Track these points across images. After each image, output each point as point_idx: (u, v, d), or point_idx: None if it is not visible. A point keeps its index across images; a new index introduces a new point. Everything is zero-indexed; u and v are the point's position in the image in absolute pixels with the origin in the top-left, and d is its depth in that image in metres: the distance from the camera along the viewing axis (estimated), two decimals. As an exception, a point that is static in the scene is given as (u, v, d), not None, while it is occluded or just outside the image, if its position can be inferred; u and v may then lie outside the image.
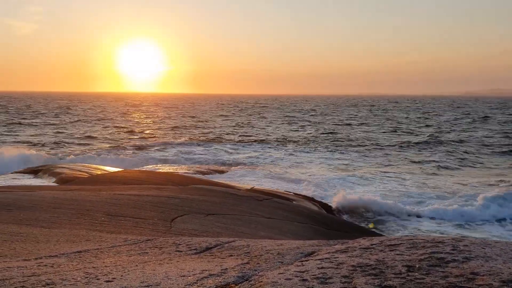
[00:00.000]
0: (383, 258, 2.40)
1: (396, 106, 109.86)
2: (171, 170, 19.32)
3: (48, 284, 1.90)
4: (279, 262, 2.65)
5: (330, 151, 29.79)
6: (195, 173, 19.03)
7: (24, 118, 52.33)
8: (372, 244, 2.85)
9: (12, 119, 49.98)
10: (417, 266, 2.19)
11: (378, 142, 34.46)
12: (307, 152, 28.97)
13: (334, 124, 52.15)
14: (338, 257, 2.48)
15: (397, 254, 2.51)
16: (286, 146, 31.99)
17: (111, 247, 3.60)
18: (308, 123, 53.33)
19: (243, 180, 18.38)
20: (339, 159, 26.51)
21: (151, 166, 22.00)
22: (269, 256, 2.82)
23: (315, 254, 2.80)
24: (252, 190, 13.47)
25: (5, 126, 42.82)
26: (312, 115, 72.12)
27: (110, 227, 5.22)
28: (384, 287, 1.90)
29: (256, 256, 2.85)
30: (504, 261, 2.25)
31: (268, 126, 49.76)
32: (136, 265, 2.50)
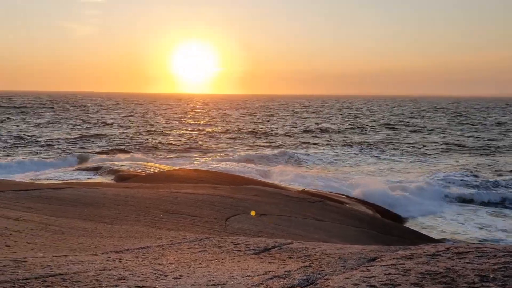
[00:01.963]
0: (453, 266, 2.30)
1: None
2: (224, 169, 19.56)
3: (120, 279, 1.96)
4: (342, 266, 2.61)
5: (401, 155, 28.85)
6: (247, 173, 19.17)
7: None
8: (438, 251, 2.75)
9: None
10: (491, 276, 2.09)
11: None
12: (371, 156, 28.30)
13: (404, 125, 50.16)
14: (404, 264, 2.41)
15: (467, 263, 2.40)
16: (348, 147, 31.60)
17: (171, 244, 3.68)
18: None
19: (295, 180, 18.33)
20: (396, 161, 25.85)
21: (204, 164, 22.38)
22: (331, 260, 2.79)
23: (378, 259, 2.74)
24: (304, 191, 13.39)
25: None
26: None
27: (168, 224, 5.34)
28: (457, 297, 1.82)
29: (317, 259, 2.82)
30: None
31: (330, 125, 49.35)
32: (200, 263, 2.53)
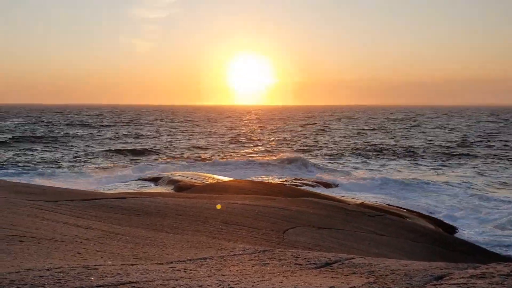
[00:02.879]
0: (530, 288, 2.17)
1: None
2: (279, 181, 19.57)
3: (187, 289, 2.00)
4: (408, 283, 2.54)
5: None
6: (302, 185, 19.05)
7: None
8: (512, 271, 2.60)
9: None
10: None
11: None
12: (433, 168, 27.31)
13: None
14: (476, 283, 2.30)
15: (546, 285, 2.26)
16: (409, 159, 30.68)
17: (232, 255, 3.71)
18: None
19: (352, 194, 18.02)
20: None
21: (259, 175, 22.48)
22: (396, 277, 2.71)
23: (447, 278, 2.63)
24: (362, 205, 13.13)
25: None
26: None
27: (227, 235, 5.40)
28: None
29: (381, 275, 2.75)
30: None
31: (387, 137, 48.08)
32: (262, 276, 2.54)
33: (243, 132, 55.32)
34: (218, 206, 5.32)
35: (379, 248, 7.23)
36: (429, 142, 43.05)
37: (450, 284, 2.31)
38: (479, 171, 26.09)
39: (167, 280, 2.21)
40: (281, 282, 2.29)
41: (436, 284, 2.36)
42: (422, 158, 31.95)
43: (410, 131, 58.30)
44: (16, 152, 31.68)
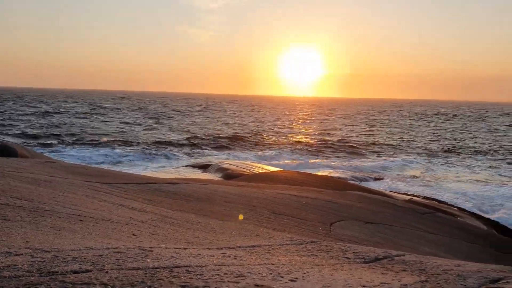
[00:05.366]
0: None
1: None
2: (328, 173, 19.43)
3: (239, 276, 2.05)
4: (462, 285, 2.47)
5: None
6: (351, 178, 18.83)
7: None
8: None
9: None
10: None
11: None
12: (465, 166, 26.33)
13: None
14: (535, 289, 2.21)
15: None
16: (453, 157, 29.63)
17: (280, 244, 3.75)
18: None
19: (398, 188, 17.64)
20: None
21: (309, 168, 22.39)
22: (449, 277, 2.65)
23: (503, 281, 2.54)
24: (411, 201, 12.83)
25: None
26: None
27: (275, 224, 5.45)
28: None
29: (433, 274, 2.70)
30: None
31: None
32: (312, 267, 2.55)
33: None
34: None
35: (430, 246, 7.06)
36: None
37: (507, 288, 2.24)
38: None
39: (218, 265, 2.27)
40: (331, 275, 2.30)
41: (492, 287, 2.29)
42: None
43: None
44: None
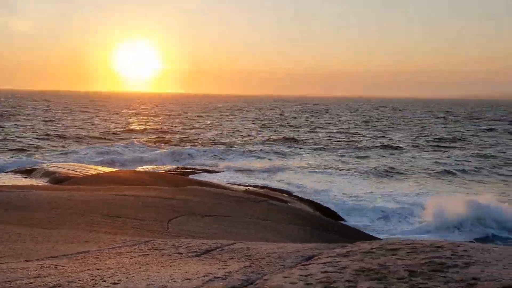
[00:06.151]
0: (385, 263, 2.43)
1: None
2: (162, 170, 19.30)
3: (55, 286, 1.91)
4: (281, 265, 2.68)
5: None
6: (188, 173, 19.01)
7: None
8: (372, 248, 2.88)
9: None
10: (418, 271, 2.22)
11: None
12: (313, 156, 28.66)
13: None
14: (340, 261, 2.51)
15: (398, 259, 2.54)
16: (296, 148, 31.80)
17: (111, 248, 3.61)
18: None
19: (238, 180, 18.42)
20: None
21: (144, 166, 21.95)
22: (271, 260, 2.84)
23: (316, 258, 2.83)
24: (247, 191, 13.48)
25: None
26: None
27: (108, 227, 5.22)
28: (388, 291, 1.93)
29: (257, 259, 2.87)
30: (504, 266, 2.29)
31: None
32: (140, 267, 2.51)
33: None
34: None
35: (263, 232, 7.51)
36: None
37: (317, 264, 2.49)
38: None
39: (33, 278, 2.08)
40: (158, 272, 2.28)
41: (305, 264, 2.52)
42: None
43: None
44: None
